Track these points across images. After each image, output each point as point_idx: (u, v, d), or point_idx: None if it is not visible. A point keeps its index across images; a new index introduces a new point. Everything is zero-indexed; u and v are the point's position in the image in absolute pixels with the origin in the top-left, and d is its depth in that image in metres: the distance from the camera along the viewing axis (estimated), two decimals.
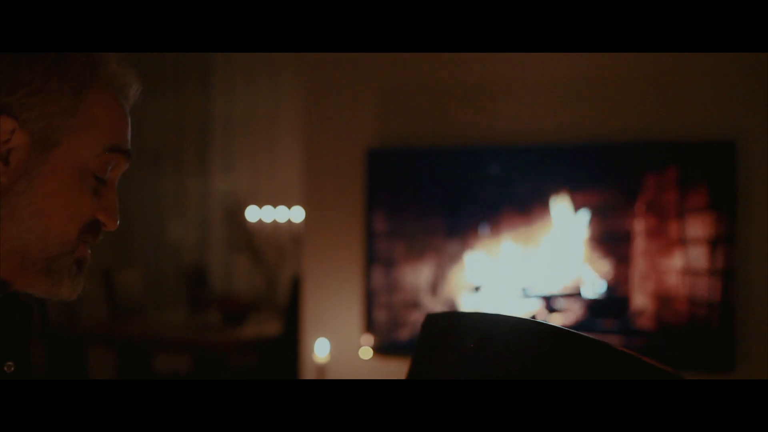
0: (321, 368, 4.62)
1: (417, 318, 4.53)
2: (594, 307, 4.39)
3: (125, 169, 1.38)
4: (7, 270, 1.29)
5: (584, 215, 4.34)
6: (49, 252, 1.29)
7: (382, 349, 4.59)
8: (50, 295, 1.33)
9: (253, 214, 7.71)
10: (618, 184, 4.32)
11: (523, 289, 4.46)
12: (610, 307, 4.37)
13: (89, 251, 1.35)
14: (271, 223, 7.64)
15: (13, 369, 1.32)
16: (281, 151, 8.03)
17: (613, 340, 4.20)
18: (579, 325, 4.33)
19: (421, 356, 1.38)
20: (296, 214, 7.35)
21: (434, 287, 4.54)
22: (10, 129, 1.25)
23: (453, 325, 1.35)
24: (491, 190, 4.46)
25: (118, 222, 1.37)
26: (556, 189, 4.37)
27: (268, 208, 7.70)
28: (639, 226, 4.27)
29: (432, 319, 1.41)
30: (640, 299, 4.29)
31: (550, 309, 4.41)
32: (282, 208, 7.62)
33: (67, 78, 1.29)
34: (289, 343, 5.58)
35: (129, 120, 1.38)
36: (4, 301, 1.33)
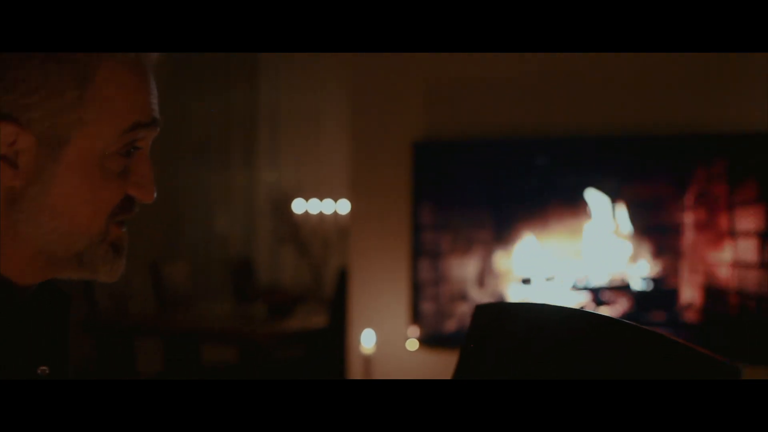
0: (367, 359, 4.63)
1: (464, 310, 4.53)
2: (642, 299, 4.36)
3: (155, 135, 1.26)
4: (36, 270, 1.23)
5: (632, 208, 4.32)
6: (77, 248, 1.21)
7: (428, 341, 4.60)
8: (89, 278, 1.26)
9: (299, 206, 7.73)
10: (667, 176, 4.29)
11: (571, 282, 4.45)
12: (658, 299, 4.34)
13: (124, 230, 1.26)
14: (317, 215, 7.66)
15: (48, 373, 1.26)
16: (327, 144, 8.04)
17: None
18: (626, 317, 4.30)
19: (471, 347, 1.38)
20: (342, 207, 7.36)
21: (481, 279, 4.53)
22: (13, 132, 1.16)
23: (503, 316, 1.34)
24: (538, 183, 4.44)
25: (155, 193, 1.25)
26: (604, 181, 4.35)
27: (314, 200, 7.71)
28: (688, 218, 4.24)
29: (481, 310, 1.40)
30: (689, 292, 4.26)
31: (598, 301, 4.39)
32: (328, 201, 7.63)
33: (68, 67, 1.18)
34: (335, 334, 5.59)
35: (151, 84, 1.26)
36: (40, 289, 1.28)
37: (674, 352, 1.16)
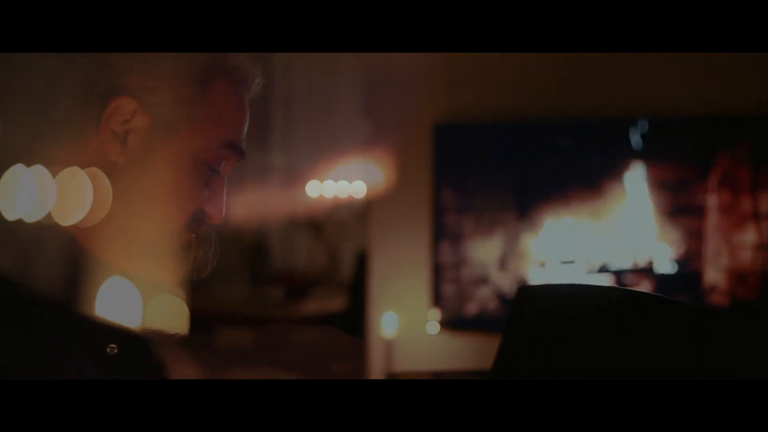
0: (388, 343, 4.62)
1: (485, 293, 4.51)
2: (665, 282, 4.34)
3: (237, 165, 1.40)
4: (113, 250, 1.29)
5: (655, 190, 4.29)
6: (155, 238, 1.31)
7: (449, 324, 4.58)
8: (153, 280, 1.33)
9: (314, 189, 7.72)
10: (691, 158, 4.26)
11: (593, 264, 4.42)
12: (682, 282, 4.32)
13: (194, 237, 1.38)
14: (332, 198, 7.65)
15: (115, 352, 1.30)
16: (343, 126, 8.03)
17: None
18: None
19: (514, 328, 1.41)
20: (359, 190, 7.34)
21: (503, 262, 4.52)
22: (132, 110, 1.25)
23: (544, 297, 1.40)
24: (561, 164, 4.42)
25: (224, 216, 1.40)
26: (627, 163, 4.32)
27: (329, 182, 7.69)
28: (712, 200, 4.21)
29: (524, 291, 1.45)
30: (713, 275, 4.24)
31: (621, 284, 4.37)
32: (343, 183, 7.61)
33: (195, 66, 1.30)
34: (354, 317, 5.59)
35: (248, 114, 1.38)
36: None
37: (703, 319, 1.24)
